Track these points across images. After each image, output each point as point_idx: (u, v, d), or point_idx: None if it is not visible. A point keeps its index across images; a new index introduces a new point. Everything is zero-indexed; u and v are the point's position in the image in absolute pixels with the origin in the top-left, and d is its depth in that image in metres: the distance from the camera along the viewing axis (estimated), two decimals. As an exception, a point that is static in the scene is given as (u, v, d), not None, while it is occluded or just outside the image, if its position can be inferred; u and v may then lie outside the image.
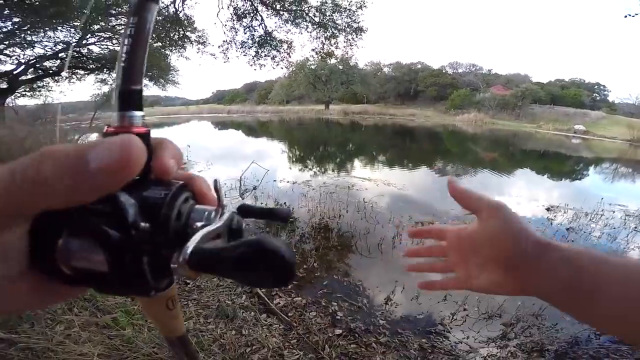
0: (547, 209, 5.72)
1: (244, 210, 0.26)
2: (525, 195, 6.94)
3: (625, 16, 8.20)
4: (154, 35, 9.30)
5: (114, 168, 0.17)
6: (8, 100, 9.19)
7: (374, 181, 7.35)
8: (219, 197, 0.22)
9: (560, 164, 12.61)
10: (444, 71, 44.00)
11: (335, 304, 2.79)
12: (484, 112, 31.34)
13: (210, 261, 0.18)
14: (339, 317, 2.61)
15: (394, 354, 2.25)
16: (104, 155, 0.17)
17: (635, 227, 4.94)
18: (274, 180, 6.98)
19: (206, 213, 0.22)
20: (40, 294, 0.20)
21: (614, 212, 5.59)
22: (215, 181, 0.23)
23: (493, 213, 0.41)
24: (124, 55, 0.21)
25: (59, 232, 0.19)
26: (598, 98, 40.43)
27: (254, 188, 6.24)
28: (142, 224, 0.19)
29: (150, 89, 13.68)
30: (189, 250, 0.18)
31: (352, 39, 10.75)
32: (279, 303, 2.73)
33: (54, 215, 0.18)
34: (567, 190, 7.66)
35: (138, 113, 0.21)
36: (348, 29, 10.49)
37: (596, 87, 42.37)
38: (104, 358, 1.62)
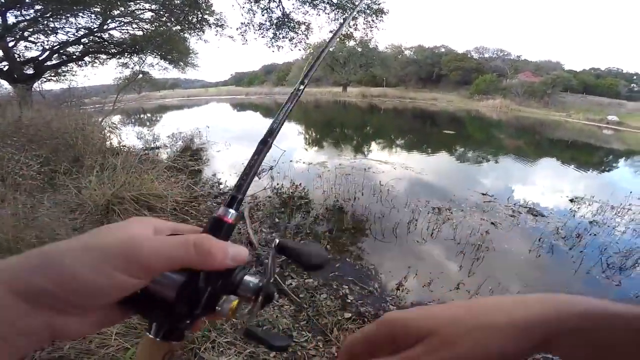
0: (571, 200, 5.51)
1: (281, 248, 0.34)
2: (549, 185, 6.70)
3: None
4: (172, 19, 9.34)
5: (237, 263, 0.31)
6: (35, 84, 9.48)
7: (391, 164, 7.27)
8: (266, 271, 0.32)
9: (588, 154, 12.03)
10: (469, 56, 42.19)
11: (347, 287, 2.82)
12: (510, 98, 30.05)
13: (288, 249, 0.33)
14: (349, 301, 2.64)
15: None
16: (237, 256, 0.30)
17: (665, 223, 4.70)
18: (290, 161, 7.01)
19: (251, 284, 0.32)
20: (109, 319, 0.29)
21: (642, 206, 5.32)
22: (272, 257, 0.33)
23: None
24: (243, 176, 0.35)
25: None
26: (636, 89, 37.91)
27: (271, 168, 6.29)
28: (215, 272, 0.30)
29: (170, 72, 13.81)
30: (235, 300, 0.32)
31: (372, 20, 10.41)
32: (291, 284, 2.77)
33: None
34: (594, 182, 7.33)
35: (232, 211, 0.33)
36: (368, 11, 10.14)
37: (635, 77, 39.67)
38: (122, 336, 1.70)
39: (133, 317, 0.33)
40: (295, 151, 8.45)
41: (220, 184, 5.35)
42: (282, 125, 0.40)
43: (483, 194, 5.43)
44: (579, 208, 5.16)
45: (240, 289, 0.32)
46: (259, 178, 5.80)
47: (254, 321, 0.32)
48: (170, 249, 0.27)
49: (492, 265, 3.37)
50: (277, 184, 5.41)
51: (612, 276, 3.33)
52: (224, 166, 6.62)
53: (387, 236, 3.88)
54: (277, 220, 4.06)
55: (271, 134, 0.38)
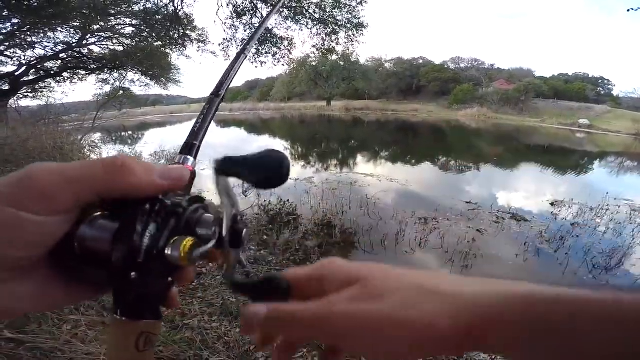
0: (552, 204, 5.68)
1: (222, 168, 0.28)
2: (530, 190, 6.90)
3: (629, 10, 8.14)
4: (153, 35, 9.31)
5: (172, 181, 0.25)
6: (11, 101, 9.21)
7: (376, 177, 7.33)
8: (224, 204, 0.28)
9: (564, 158, 12.53)
10: (446, 66, 43.71)
11: (339, 301, 2.78)
12: (487, 107, 31.14)
13: (232, 163, 0.27)
14: (343, 314, 2.60)
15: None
16: (167, 172, 0.25)
17: (641, 222, 4.90)
18: (277, 178, 6.96)
19: (212, 220, 0.27)
20: (49, 292, 0.23)
21: (619, 206, 5.53)
22: (217, 184, 0.28)
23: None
24: (198, 123, 0.35)
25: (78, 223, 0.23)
26: (602, 92, 40.09)
27: (257, 186, 6.23)
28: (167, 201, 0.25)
29: (152, 88, 13.69)
30: (220, 158, 0.27)
31: (353, 35, 10.68)
32: (283, 300, 2.72)
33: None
34: (572, 185, 7.60)
35: (191, 158, 0.32)
36: (349, 25, 10.42)
37: (600, 81, 42.01)
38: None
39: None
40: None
41: (207, 202, 5.25)
42: (231, 80, 0.42)
43: (467, 202, 5.53)
44: (560, 211, 5.32)
45: (198, 228, 0.26)
46: (245, 196, 5.74)
47: (233, 272, 0.28)
48: (71, 171, 0.21)
49: (482, 272, 3.41)
50: (264, 201, 5.36)
51: (599, 276, 3.42)
52: (209, 184, 6.54)
53: (376, 248, 3.88)
54: (265, 237, 4.00)
55: (221, 86, 0.40)
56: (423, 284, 0.24)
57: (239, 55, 0.46)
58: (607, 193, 5.68)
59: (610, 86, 42.10)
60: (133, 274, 0.23)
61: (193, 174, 0.30)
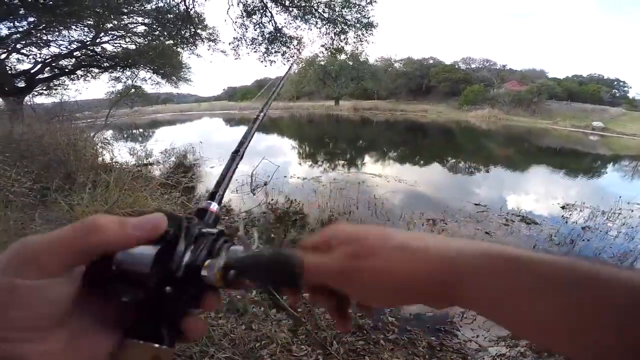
0: (563, 207, 5.59)
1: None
2: (541, 193, 6.80)
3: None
4: (165, 33, 9.39)
5: (146, 231, 0.26)
6: (26, 98, 9.39)
7: (384, 177, 7.31)
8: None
9: (576, 161, 12.30)
10: (456, 67, 43.20)
11: (344, 300, 2.79)
12: (498, 108, 30.70)
13: (242, 263, 0.27)
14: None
15: (402, 351, 2.24)
16: (141, 224, 0.26)
17: (655, 227, 4.80)
18: (285, 176, 7.00)
19: (237, 250, 0.30)
20: (79, 344, 0.24)
21: (632, 210, 5.42)
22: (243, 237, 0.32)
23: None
24: (222, 176, 0.40)
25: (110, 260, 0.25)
26: (618, 94, 39.18)
27: (265, 184, 6.28)
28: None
29: (163, 87, 13.79)
30: (222, 260, 0.27)
31: (362, 34, 10.62)
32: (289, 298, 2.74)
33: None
34: (584, 188, 7.47)
35: (214, 203, 0.36)
36: (358, 25, 10.36)
37: (615, 83, 41.08)
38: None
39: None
40: (290, 166, 8.47)
41: (215, 199, 5.30)
42: (251, 138, 0.48)
43: (476, 204, 5.48)
44: (570, 214, 5.24)
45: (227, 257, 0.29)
46: (254, 194, 5.78)
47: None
48: (53, 238, 0.23)
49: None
50: (272, 200, 5.39)
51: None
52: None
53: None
54: (272, 235, 4.03)
55: (241, 146, 0.46)
56: (409, 244, 0.27)
57: (255, 119, 0.54)
58: (620, 197, 5.58)
59: (626, 88, 41.19)
60: (168, 287, 0.25)
61: (217, 216, 0.36)
